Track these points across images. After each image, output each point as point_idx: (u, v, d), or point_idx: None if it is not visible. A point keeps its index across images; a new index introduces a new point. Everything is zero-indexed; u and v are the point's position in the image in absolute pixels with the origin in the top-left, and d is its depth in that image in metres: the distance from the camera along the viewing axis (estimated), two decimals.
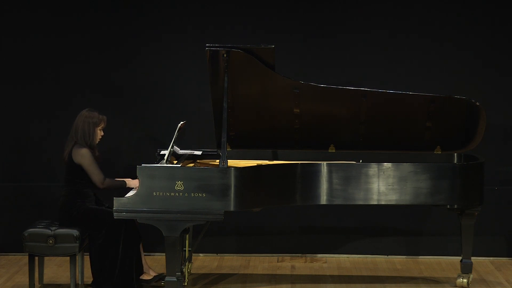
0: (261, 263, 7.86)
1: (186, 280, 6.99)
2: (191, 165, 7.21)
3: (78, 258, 6.81)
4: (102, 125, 6.87)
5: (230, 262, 7.89)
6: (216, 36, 7.74)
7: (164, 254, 6.59)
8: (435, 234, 8.05)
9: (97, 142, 6.88)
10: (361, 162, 7.02)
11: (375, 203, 6.81)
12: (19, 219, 7.90)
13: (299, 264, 7.84)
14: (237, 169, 6.44)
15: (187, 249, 7.07)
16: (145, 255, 7.00)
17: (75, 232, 6.67)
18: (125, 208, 6.42)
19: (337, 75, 7.94)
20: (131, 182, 6.83)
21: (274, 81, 6.89)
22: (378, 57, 7.98)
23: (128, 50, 8.02)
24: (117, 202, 6.43)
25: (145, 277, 6.91)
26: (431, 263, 7.87)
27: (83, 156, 6.73)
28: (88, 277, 6.97)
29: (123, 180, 6.86)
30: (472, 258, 7.08)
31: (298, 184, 6.70)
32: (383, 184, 6.77)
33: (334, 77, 7.88)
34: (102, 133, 6.90)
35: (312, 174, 6.73)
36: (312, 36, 7.99)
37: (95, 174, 6.73)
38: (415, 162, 6.93)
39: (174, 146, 6.89)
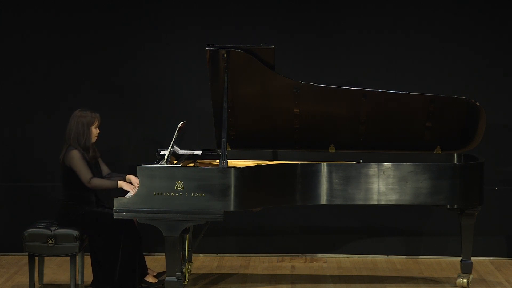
0: (261, 263, 7.86)
1: (186, 280, 7.00)
2: (191, 165, 7.21)
3: (78, 258, 6.82)
4: (97, 123, 6.85)
5: (230, 262, 7.89)
6: (216, 36, 7.75)
7: (164, 254, 6.60)
8: (435, 234, 8.05)
9: (93, 141, 6.85)
10: (361, 162, 7.02)
11: (375, 203, 6.81)
12: (19, 219, 7.91)
13: (299, 264, 7.84)
14: (237, 169, 6.44)
15: (187, 249, 7.07)
16: (145, 255, 7.00)
17: (75, 232, 6.67)
18: (125, 208, 6.42)
19: (337, 75, 7.94)
20: (124, 184, 6.73)
21: (274, 81, 6.89)
22: (378, 57, 7.98)
23: (128, 50, 8.02)
24: (117, 202, 6.43)
25: (149, 279, 6.91)
26: (431, 263, 7.87)
27: (72, 158, 6.70)
28: (88, 277, 6.97)
29: (115, 181, 6.76)
30: (472, 258, 7.08)
31: (298, 184, 6.70)
32: (383, 184, 6.77)
33: (334, 77, 7.88)
34: (98, 131, 6.88)
35: (312, 174, 6.73)
36: (312, 36, 7.99)
37: (82, 173, 6.69)
38: (415, 162, 6.93)
39: (174, 146, 6.89)
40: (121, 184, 6.71)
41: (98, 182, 6.72)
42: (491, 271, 7.61)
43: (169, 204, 6.41)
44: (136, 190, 6.47)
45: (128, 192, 6.69)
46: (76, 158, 6.69)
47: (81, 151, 6.73)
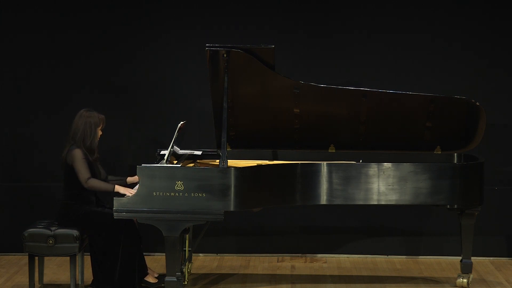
0: (261, 263, 7.86)
1: (186, 280, 7.00)
2: (191, 165, 7.21)
3: (78, 258, 6.82)
4: (102, 125, 6.86)
5: (230, 262, 7.89)
6: (216, 36, 7.75)
7: (164, 254, 6.60)
8: (435, 234, 8.05)
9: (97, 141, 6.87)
10: (361, 162, 7.02)
11: (375, 203, 6.81)
12: (19, 219, 7.91)
13: (299, 264, 7.84)
14: (237, 169, 6.44)
15: (187, 249, 7.07)
16: (145, 255, 7.00)
17: (75, 232, 6.67)
18: (125, 208, 6.42)
19: (337, 75, 7.94)
20: (121, 189, 6.66)
21: (274, 81, 6.89)
22: (378, 57, 7.98)
23: (128, 50, 8.02)
24: (117, 202, 6.43)
25: (149, 279, 6.91)
26: (431, 263, 7.87)
27: (74, 156, 6.69)
28: (88, 277, 6.97)
29: (111, 185, 6.72)
30: (472, 258, 7.08)
31: (298, 184, 6.70)
32: (383, 184, 6.77)
33: (334, 77, 7.88)
34: (101, 133, 6.89)
35: (312, 174, 6.73)
36: (312, 36, 7.99)
37: (80, 173, 6.68)
38: (415, 162, 6.93)
39: (174, 146, 6.89)
40: (118, 188, 6.67)
41: (95, 183, 6.70)
42: (491, 271, 7.61)
43: (169, 204, 6.41)
44: (133, 192, 6.47)
45: (125, 195, 6.67)
46: (78, 157, 6.69)
47: (84, 151, 6.73)
